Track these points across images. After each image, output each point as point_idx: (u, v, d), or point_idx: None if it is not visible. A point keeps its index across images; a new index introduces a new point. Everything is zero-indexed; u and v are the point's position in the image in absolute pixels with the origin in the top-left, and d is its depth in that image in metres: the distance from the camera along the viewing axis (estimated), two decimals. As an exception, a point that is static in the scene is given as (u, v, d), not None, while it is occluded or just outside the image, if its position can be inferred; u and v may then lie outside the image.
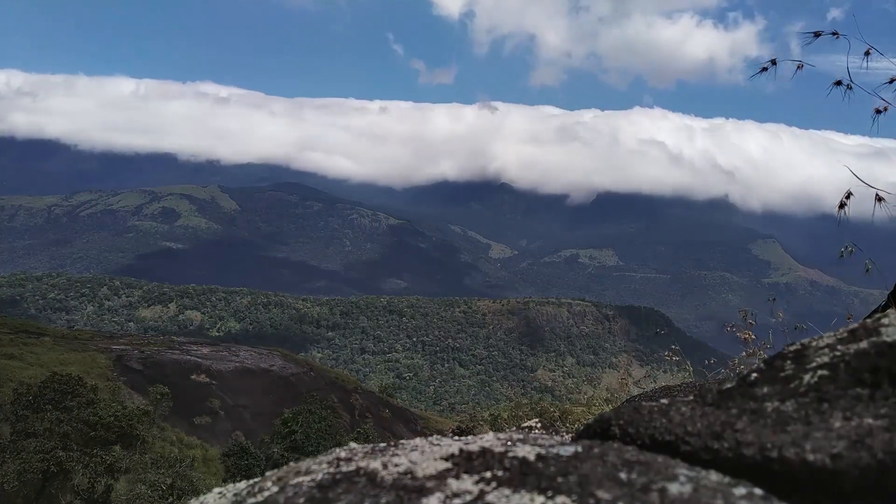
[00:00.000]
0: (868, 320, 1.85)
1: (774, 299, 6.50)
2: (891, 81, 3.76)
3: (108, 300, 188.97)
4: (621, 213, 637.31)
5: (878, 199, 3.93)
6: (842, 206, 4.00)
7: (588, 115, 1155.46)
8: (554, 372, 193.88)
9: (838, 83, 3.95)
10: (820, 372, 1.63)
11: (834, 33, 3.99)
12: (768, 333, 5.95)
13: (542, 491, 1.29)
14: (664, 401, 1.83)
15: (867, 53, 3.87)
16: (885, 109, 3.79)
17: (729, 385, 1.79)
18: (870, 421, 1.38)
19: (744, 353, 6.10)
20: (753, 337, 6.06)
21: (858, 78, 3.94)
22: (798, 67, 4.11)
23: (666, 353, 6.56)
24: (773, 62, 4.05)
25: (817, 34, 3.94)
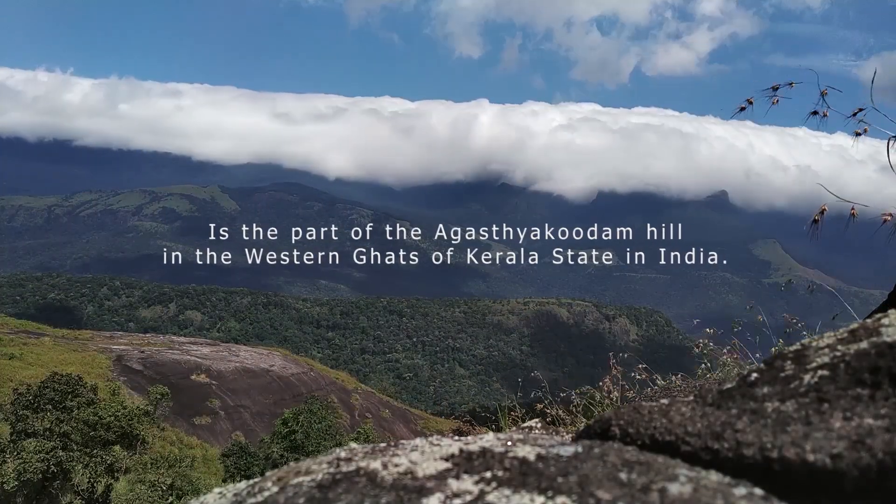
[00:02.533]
0: (868, 320, 1.84)
1: (751, 307, 6.45)
2: (853, 115, 3.74)
3: (108, 300, 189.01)
4: (621, 213, 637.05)
5: (853, 214, 3.92)
6: (815, 221, 3.98)
7: (591, 112, 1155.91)
8: (554, 372, 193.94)
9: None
10: (820, 372, 1.63)
11: (790, 84, 4.01)
12: (757, 338, 5.90)
13: (542, 491, 1.29)
14: (664, 401, 1.83)
15: (823, 94, 3.85)
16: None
17: (729, 385, 1.79)
18: (870, 421, 1.38)
19: (703, 366, 6.04)
20: (710, 348, 6.00)
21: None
22: (773, 102, 4.12)
23: (611, 363, 5.87)
24: (750, 102, 4.05)
25: (775, 87, 3.95)
